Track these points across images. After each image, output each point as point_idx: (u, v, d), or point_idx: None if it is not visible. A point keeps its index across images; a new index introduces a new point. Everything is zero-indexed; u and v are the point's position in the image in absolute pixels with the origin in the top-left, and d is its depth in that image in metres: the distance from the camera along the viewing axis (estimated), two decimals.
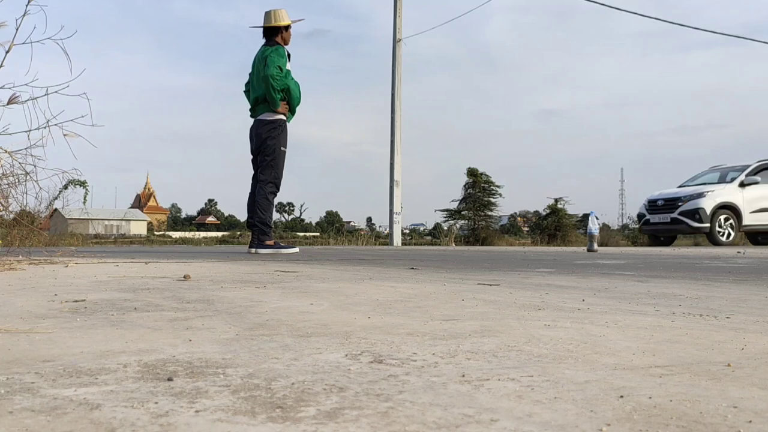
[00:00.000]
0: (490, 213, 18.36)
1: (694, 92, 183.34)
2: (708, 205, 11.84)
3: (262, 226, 5.33)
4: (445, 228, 20.15)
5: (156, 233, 45.55)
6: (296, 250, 5.69)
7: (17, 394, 0.79)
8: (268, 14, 5.46)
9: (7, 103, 2.83)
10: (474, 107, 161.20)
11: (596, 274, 3.05)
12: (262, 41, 5.52)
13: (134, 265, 3.25)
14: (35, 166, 3.14)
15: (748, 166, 12.43)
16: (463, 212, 18.34)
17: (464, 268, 3.50)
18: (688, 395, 0.81)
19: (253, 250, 5.35)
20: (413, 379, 0.88)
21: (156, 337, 1.20)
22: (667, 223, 12.30)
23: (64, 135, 2.92)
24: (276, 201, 5.65)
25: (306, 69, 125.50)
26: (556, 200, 17.99)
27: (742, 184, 12.13)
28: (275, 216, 17.75)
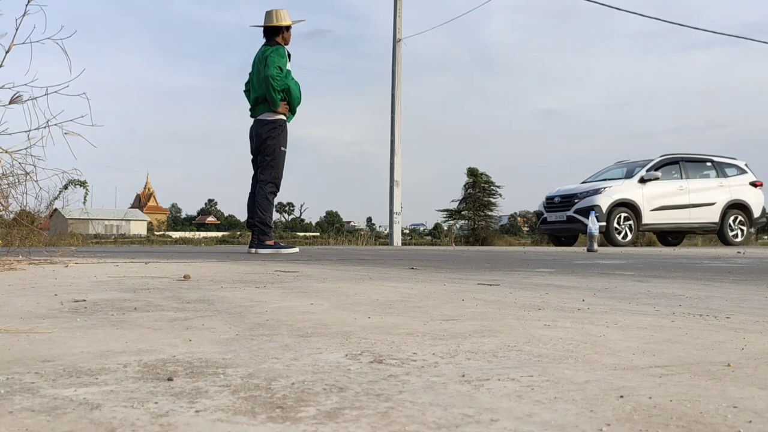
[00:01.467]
0: (490, 213, 18.35)
1: (694, 92, 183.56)
2: (604, 202, 10.81)
3: (262, 226, 5.33)
4: (445, 228, 20.15)
5: (156, 233, 45.53)
6: (296, 250, 5.69)
7: (17, 394, 0.79)
8: (269, 14, 5.45)
9: (9, 103, 2.83)
10: (474, 107, 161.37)
11: (596, 274, 3.05)
12: (263, 41, 5.52)
13: (134, 265, 3.25)
14: (35, 166, 3.14)
15: (651, 160, 11.49)
16: (463, 212, 18.33)
17: (464, 268, 3.50)
18: (688, 395, 0.81)
19: (253, 250, 5.35)
20: (413, 379, 0.88)
21: (156, 337, 1.20)
22: (563, 222, 11.30)
23: (64, 133, 2.92)
24: (276, 201, 5.65)
25: (306, 69, 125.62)
26: None
27: (642, 180, 11.11)
28: (275, 216, 17.70)
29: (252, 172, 5.59)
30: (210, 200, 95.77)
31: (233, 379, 0.87)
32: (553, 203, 11.59)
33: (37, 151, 3.04)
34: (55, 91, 2.92)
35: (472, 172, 18.44)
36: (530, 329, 1.32)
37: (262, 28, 5.48)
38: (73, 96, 2.95)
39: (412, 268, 3.36)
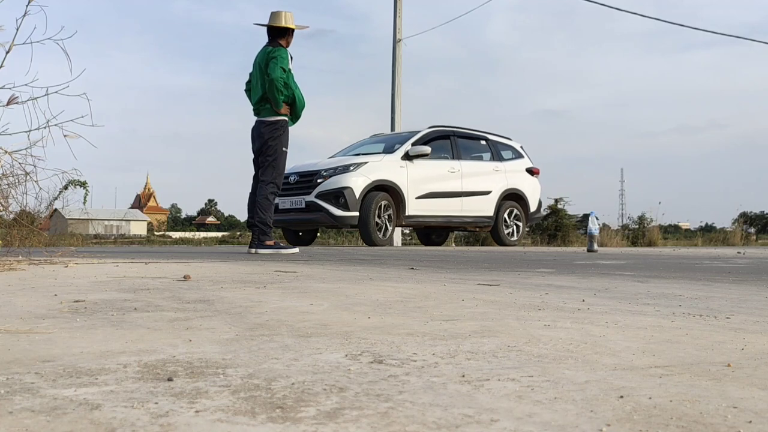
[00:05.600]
0: None
1: (694, 92, 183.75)
2: (357, 183, 7.80)
3: (263, 226, 5.33)
4: None
5: (156, 233, 45.50)
6: (296, 250, 5.69)
7: (17, 394, 0.79)
8: (277, 15, 5.46)
9: (7, 104, 2.83)
10: (474, 107, 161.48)
11: (596, 275, 3.05)
12: (265, 41, 5.52)
13: (134, 266, 3.25)
14: (35, 166, 3.14)
15: (417, 132, 8.83)
16: None
17: (464, 268, 3.50)
18: (688, 395, 0.81)
19: (253, 251, 5.35)
20: (413, 380, 0.88)
21: (156, 338, 1.20)
22: (301, 210, 7.96)
23: (64, 135, 2.92)
24: (276, 201, 5.65)
25: (306, 69, 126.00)
26: (556, 200, 17.98)
27: (408, 157, 8.33)
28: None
29: (253, 172, 5.61)
30: (210, 200, 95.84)
31: (233, 379, 0.87)
32: (288, 184, 8.09)
33: (37, 152, 3.04)
34: (56, 92, 2.92)
35: None
36: (530, 329, 1.32)
37: (266, 29, 5.48)
38: (73, 96, 2.96)
39: (412, 269, 3.36)
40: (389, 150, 8.53)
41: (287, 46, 5.47)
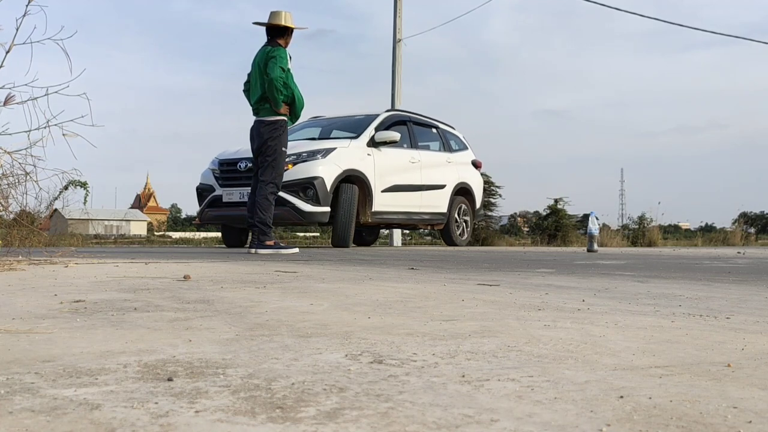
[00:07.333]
0: (490, 213, 18.30)
1: (694, 92, 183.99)
2: (328, 173, 6.49)
3: (262, 226, 5.34)
4: None
5: (156, 233, 45.47)
6: (296, 250, 5.69)
7: (17, 394, 0.79)
8: (276, 14, 5.47)
9: (4, 104, 2.83)
10: (474, 107, 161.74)
11: (596, 275, 3.05)
12: (264, 41, 5.53)
13: (134, 266, 3.25)
14: (35, 166, 3.13)
15: (376, 116, 7.55)
16: None
17: (464, 268, 3.50)
18: (688, 395, 0.81)
19: (253, 251, 5.35)
20: (413, 380, 0.88)
21: (156, 338, 1.20)
22: None
23: (63, 134, 2.92)
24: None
25: (307, 69, 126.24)
26: (556, 200, 17.95)
27: (374, 143, 7.11)
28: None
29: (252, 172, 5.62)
30: None
31: (233, 379, 0.87)
32: (235, 172, 6.68)
33: (37, 152, 3.04)
34: (56, 92, 2.92)
35: None
36: (530, 329, 1.32)
37: (265, 28, 5.49)
38: (73, 96, 2.95)
39: (412, 269, 3.36)
40: (325, 135, 7.48)
41: (286, 46, 5.48)
